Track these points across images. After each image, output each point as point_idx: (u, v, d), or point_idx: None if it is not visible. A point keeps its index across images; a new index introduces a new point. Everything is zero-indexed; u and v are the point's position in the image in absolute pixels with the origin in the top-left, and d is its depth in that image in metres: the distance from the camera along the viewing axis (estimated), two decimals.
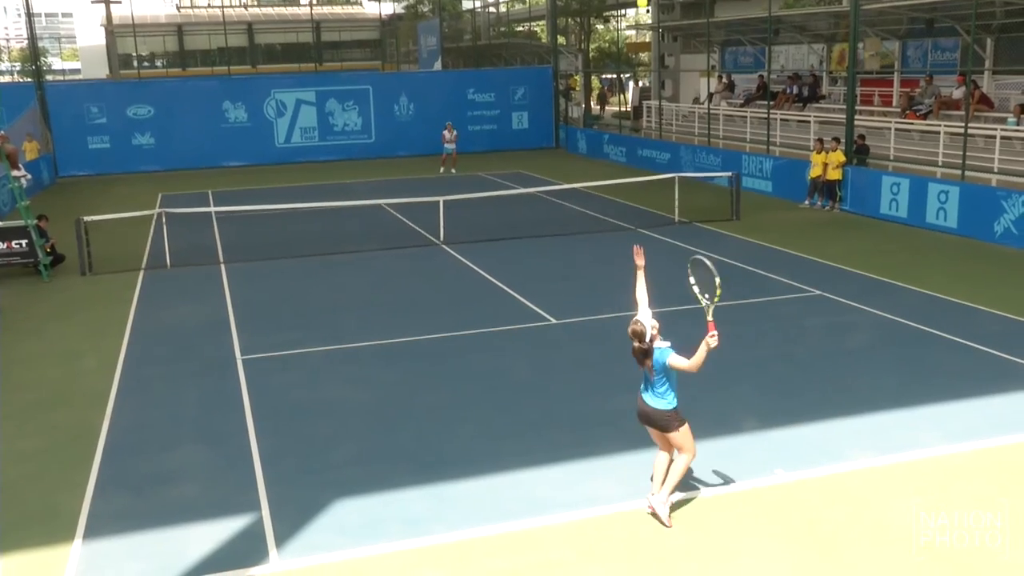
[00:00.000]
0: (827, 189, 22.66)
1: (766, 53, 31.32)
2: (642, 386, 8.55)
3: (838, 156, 22.36)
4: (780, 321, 13.87)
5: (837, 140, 22.75)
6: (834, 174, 22.37)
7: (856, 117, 24.03)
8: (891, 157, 23.99)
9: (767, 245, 18.87)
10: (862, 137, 23.67)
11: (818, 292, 15.19)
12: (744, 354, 12.34)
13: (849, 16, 23.56)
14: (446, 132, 32.43)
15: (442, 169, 32.20)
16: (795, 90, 31.32)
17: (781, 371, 11.72)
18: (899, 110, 26.32)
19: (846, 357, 12.22)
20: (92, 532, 8.22)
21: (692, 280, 8.55)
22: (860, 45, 26.14)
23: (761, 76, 32.63)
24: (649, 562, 7.46)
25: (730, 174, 23.05)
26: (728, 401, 10.74)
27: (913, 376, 11.32)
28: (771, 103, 29.12)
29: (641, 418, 8.54)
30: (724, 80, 36.66)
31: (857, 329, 13.39)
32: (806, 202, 23.26)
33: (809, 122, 28.03)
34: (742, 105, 32.88)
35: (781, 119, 29.04)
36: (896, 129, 24.51)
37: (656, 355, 8.49)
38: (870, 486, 8.62)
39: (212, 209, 23.52)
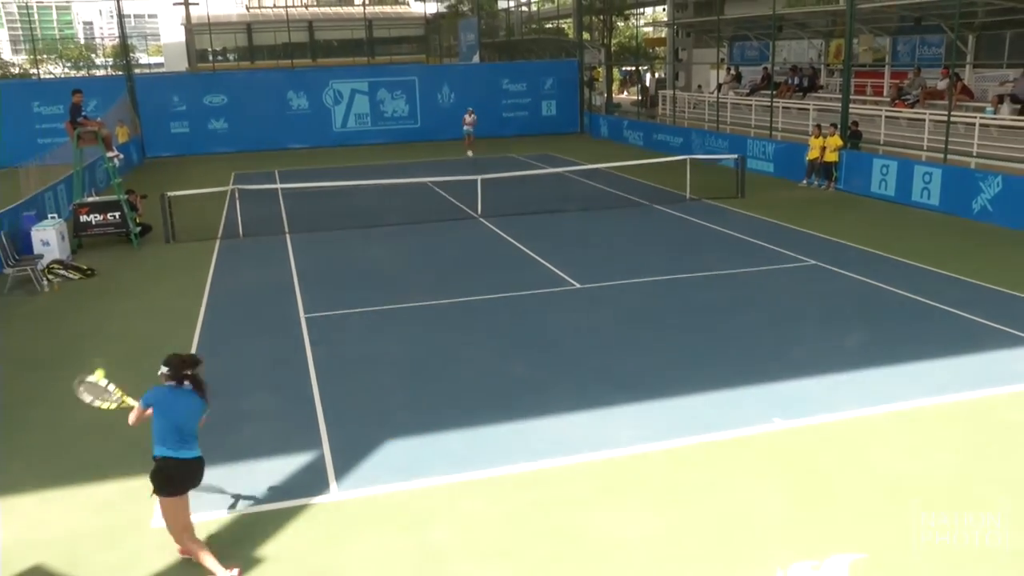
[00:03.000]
0: (824, 170, 22.41)
1: (770, 47, 30.96)
2: (182, 438, 6.63)
3: (836, 140, 22.09)
4: (779, 287, 13.79)
5: (834, 126, 22.46)
6: (831, 156, 22.11)
7: (850, 105, 23.68)
8: (881, 141, 23.66)
9: (768, 220, 18.71)
10: (855, 123, 23.35)
11: (813, 262, 15.07)
12: (746, 316, 12.32)
13: (845, 14, 23.20)
14: (467, 115, 32.31)
15: (470, 152, 31.87)
16: (796, 81, 30.87)
17: (779, 331, 11.66)
18: (889, 99, 25.92)
19: (837, 319, 12.15)
20: None
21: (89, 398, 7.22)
22: (855, 40, 25.73)
23: (765, 68, 32.21)
24: (659, 497, 7.53)
25: (736, 156, 22.78)
26: (730, 357, 10.74)
27: (896, 336, 11.24)
28: (774, 92, 28.79)
29: (194, 480, 6.78)
30: (732, 72, 36.19)
31: (847, 295, 13.30)
32: (804, 182, 23.01)
33: (808, 110, 27.64)
34: (748, 94, 32.48)
35: (783, 107, 28.67)
36: (886, 116, 24.15)
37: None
38: (857, 433, 8.62)
39: (278, 186, 23.65)
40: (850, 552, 6.64)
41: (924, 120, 22.61)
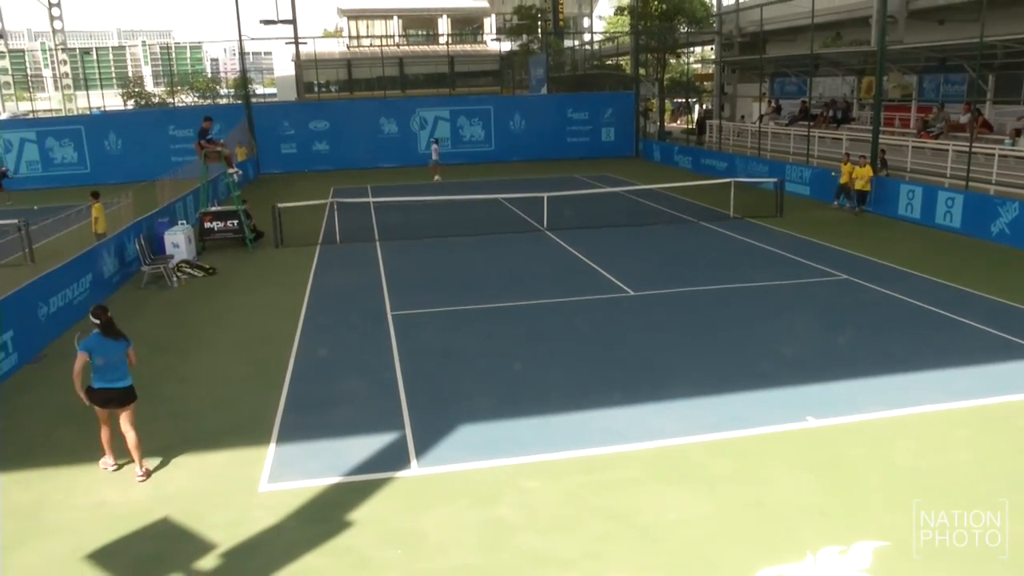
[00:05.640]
0: (858, 196, 21.49)
1: (808, 83, 30.32)
2: (115, 373, 7.77)
3: (867, 171, 21.17)
4: (813, 298, 13.45)
5: (864, 158, 21.66)
6: (863, 185, 21.02)
7: (880, 136, 23.01)
8: (908, 169, 22.96)
9: (804, 237, 18.27)
10: (883, 152, 22.67)
11: (845, 276, 14.67)
12: (783, 323, 12.05)
13: (876, 55, 22.56)
14: (433, 146, 32.37)
15: (437, 177, 31.36)
16: (831, 113, 30.19)
17: (813, 338, 11.38)
18: (915, 131, 25.18)
19: (866, 328, 11.79)
20: (283, 438, 8.56)
21: None
22: (885, 78, 25.02)
23: (803, 101, 31.56)
24: (702, 484, 7.39)
25: (776, 180, 22.34)
26: (769, 360, 10.51)
27: (921, 345, 10.88)
28: (811, 123, 28.18)
29: (116, 402, 7.83)
30: (773, 104, 35.53)
31: (876, 306, 12.90)
32: (835, 203, 22.41)
33: (841, 139, 26.99)
34: (787, 124, 31.85)
35: (818, 136, 28.04)
36: (913, 146, 23.44)
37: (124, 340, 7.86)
38: (883, 432, 8.35)
39: (371, 200, 23.92)
40: (875, 540, 6.43)
41: (948, 150, 21.89)
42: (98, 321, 7.78)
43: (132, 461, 7.96)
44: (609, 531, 6.68)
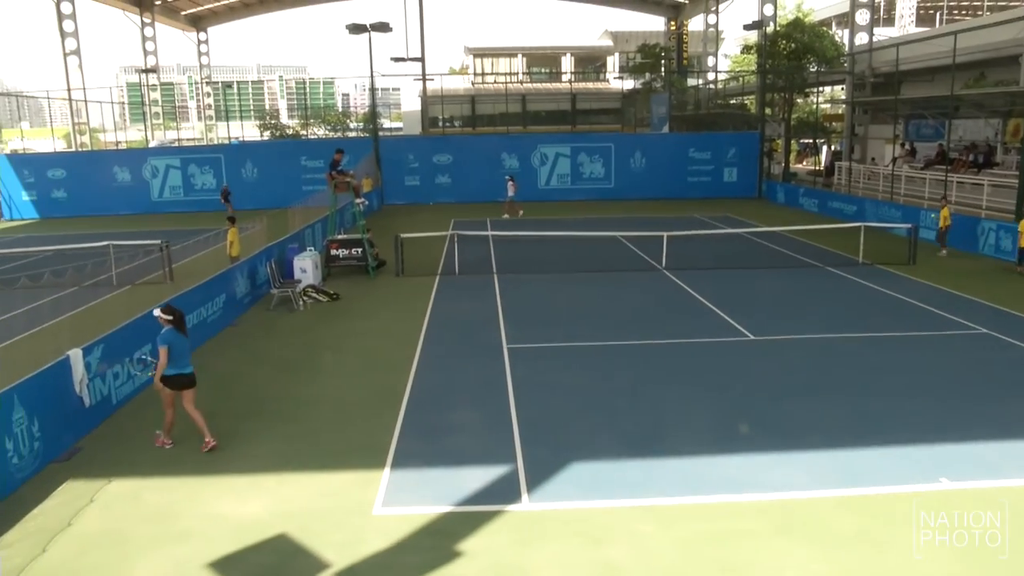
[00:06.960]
0: (1020, 253, 19.47)
1: (946, 125, 28.90)
2: (183, 361, 9.14)
3: None
4: (949, 351, 12.68)
5: None
6: None
7: None
8: None
9: (939, 287, 17.28)
10: None
11: (985, 330, 13.76)
12: (917, 378, 11.39)
13: None
14: (510, 183, 32.03)
15: (506, 215, 31.24)
16: (971, 157, 28.64)
17: (949, 393, 10.71)
18: None
19: (1009, 386, 10.98)
20: (397, 464, 8.71)
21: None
22: None
23: (940, 144, 30.10)
24: (825, 541, 7.04)
25: (909, 225, 21.33)
26: (900, 415, 9.95)
27: None
28: (948, 167, 26.79)
29: (187, 385, 9.18)
30: (907, 147, 34.05)
31: (1020, 363, 12.02)
32: (943, 251, 21.03)
33: (982, 185, 25.52)
34: (922, 168, 30.43)
35: (956, 181, 26.63)
36: None
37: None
38: None
39: (490, 233, 24.28)
40: None
41: None
42: (170, 317, 9.10)
43: (207, 442, 9.24)
44: None
